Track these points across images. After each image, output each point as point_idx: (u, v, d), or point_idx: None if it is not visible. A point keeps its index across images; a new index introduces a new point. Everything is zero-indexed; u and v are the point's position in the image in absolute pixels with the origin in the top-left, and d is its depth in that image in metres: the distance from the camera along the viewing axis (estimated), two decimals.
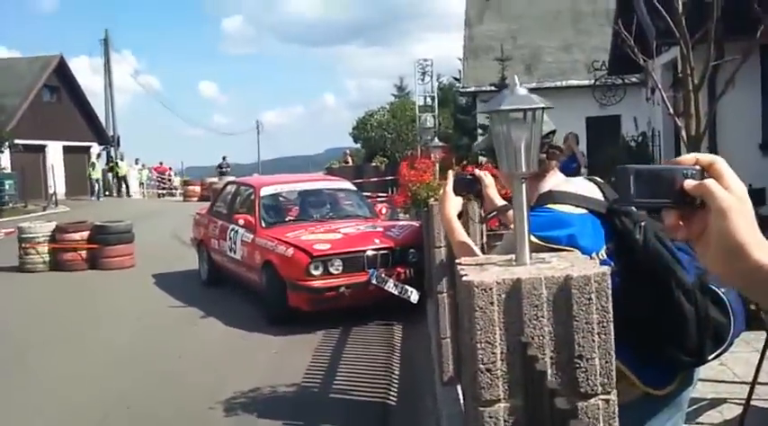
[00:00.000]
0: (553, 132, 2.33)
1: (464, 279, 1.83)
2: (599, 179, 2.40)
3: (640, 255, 2.06)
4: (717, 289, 2.06)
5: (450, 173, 2.62)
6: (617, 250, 2.12)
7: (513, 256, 2.00)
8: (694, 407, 3.95)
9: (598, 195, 2.27)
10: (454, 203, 2.46)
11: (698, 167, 0.83)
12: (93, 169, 30.80)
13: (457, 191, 2.52)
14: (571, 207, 2.18)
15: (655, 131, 13.72)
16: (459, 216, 2.54)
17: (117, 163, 33.20)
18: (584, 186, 2.30)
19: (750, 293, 0.83)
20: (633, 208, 2.12)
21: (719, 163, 0.83)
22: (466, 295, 1.82)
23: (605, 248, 2.15)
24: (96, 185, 29.96)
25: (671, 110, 7.27)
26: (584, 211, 2.18)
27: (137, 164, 35.99)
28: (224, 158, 34.06)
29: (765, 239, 0.80)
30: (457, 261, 2.18)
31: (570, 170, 7.83)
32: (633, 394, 2.09)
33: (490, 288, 1.76)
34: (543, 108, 1.91)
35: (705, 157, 0.84)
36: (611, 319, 1.75)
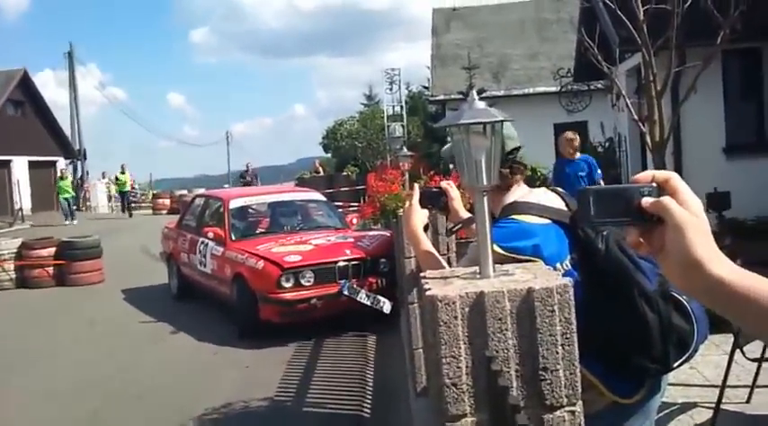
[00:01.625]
0: (518, 148, 2.34)
1: (428, 293, 1.83)
2: (561, 189, 2.43)
3: (602, 264, 2.08)
4: (679, 296, 2.08)
5: (417, 186, 2.62)
6: (580, 259, 2.14)
7: (477, 269, 2.01)
8: (665, 412, 3.99)
9: (561, 205, 2.30)
10: (420, 216, 2.46)
11: (654, 184, 0.85)
12: (63, 184, 25.18)
13: (423, 204, 2.53)
14: (535, 217, 2.21)
15: (621, 136, 13.89)
16: (426, 228, 2.55)
17: (117, 177, 29.37)
18: (546, 197, 2.32)
19: (709, 305, 0.85)
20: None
21: (675, 179, 0.85)
22: (430, 309, 1.82)
23: (569, 258, 2.17)
24: (66, 204, 24.49)
25: (635, 116, 7.38)
26: (547, 221, 2.20)
27: (103, 177, 35.50)
28: (247, 165, 28.46)
29: (721, 253, 0.81)
30: (422, 274, 2.18)
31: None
32: (602, 404, 2.11)
33: (453, 302, 1.76)
34: (502, 121, 1.92)
35: (661, 174, 0.86)
36: (575, 330, 1.76)
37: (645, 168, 11.20)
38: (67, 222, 23.34)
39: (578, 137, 8.46)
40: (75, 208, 26.58)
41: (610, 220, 0.88)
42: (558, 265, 2.14)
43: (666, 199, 0.83)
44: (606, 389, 2.08)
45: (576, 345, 1.78)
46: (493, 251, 2.20)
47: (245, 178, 26.97)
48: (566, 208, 2.27)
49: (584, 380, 2.12)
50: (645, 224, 0.84)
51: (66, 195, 24.81)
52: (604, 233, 2.08)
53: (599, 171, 8.33)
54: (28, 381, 6.63)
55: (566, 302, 1.75)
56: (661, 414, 3.57)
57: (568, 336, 1.75)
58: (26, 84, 32.40)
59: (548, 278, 1.82)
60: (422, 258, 2.45)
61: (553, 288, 1.75)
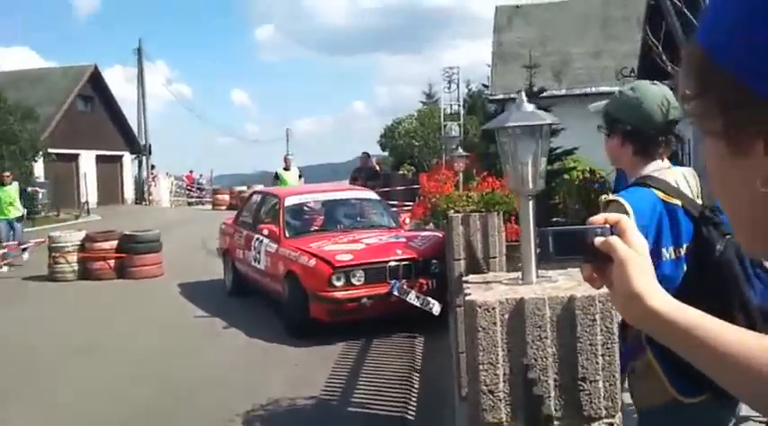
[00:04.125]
0: (676, 121, 2.20)
1: (467, 298, 1.79)
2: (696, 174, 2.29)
3: (714, 265, 1.99)
4: None
5: (617, 201, 2.15)
6: (694, 253, 2.07)
7: (520, 274, 1.96)
8: None
9: (697, 191, 2.19)
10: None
11: (607, 225, 0.94)
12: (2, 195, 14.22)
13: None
14: (666, 195, 2.11)
15: (685, 139, 13.46)
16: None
17: (277, 173, 17.53)
18: (684, 180, 2.19)
19: (650, 334, 0.93)
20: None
21: (624, 221, 0.95)
22: (469, 314, 1.78)
23: (685, 247, 2.09)
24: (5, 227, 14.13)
25: None
26: (677, 202, 2.11)
27: (168, 176, 36.43)
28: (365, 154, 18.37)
29: (660, 287, 0.89)
30: (464, 278, 2.15)
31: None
32: (661, 399, 2.03)
33: (493, 308, 1.72)
34: (550, 124, 1.87)
35: (612, 217, 0.95)
36: (616, 340, 1.70)
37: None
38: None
39: None
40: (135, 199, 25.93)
41: (568, 257, 0.97)
42: (672, 249, 2.07)
43: (613, 238, 0.92)
44: (669, 383, 1.99)
45: (617, 356, 1.72)
46: (614, 201, 2.11)
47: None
48: (699, 197, 2.17)
49: (649, 369, 2.04)
50: (598, 261, 0.92)
51: (7, 214, 14.21)
52: (728, 236, 2.00)
53: None
54: (84, 372, 6.81)
55: (608, 311, 1.69)
56: None
57: (609, 346, 1.69)
58: (96, 80, 33.44)
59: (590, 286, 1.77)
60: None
61: (595, 297, 1.69)
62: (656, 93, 2.13)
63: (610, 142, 2.23)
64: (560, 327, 1.65)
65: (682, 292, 1.99)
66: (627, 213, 1.99)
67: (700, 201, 2.15)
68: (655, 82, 2.30)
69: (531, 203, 2.00)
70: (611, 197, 2.19)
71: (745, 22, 0.59)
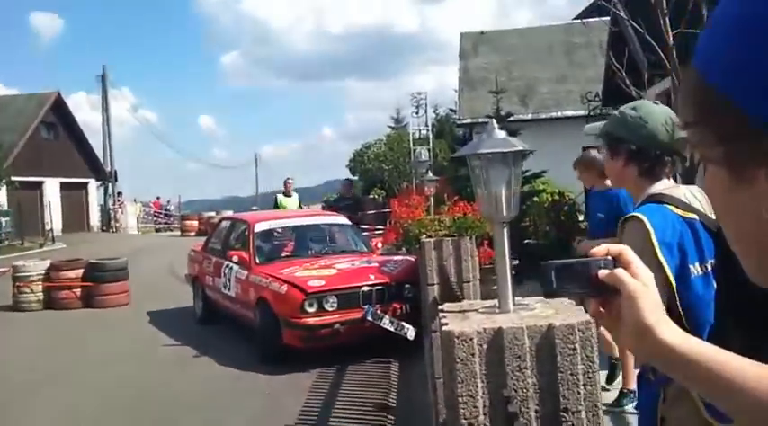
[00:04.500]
0: (681, 141, 2.16)
1: (444, 328, 1.77)
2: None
3: (743, 286, 1.97)
4: None
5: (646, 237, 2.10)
6: (720, 270, 1.97)
7: (496, 302, 1.94)
8: None
9: (708, 209, 2.11)
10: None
11: (610, 258, 0.91)
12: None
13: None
14: (683, 212, 2.07)
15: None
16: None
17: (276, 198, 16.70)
18: (694, 197, 2.14)
19: (661, 367, 0.90)
20: None
21: (627, 252, 0.92)
22: (446, 345, 1.75)
23: (710, 262, 2.02)
24: None
25: None
26: (694, 216, 2.06)
27: (135, 202, 36.07)
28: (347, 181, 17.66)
29: (669, 319, 0.87)
30: (439, 307, 2.12)
31: None
32: (693, 423, 1.93)
33: (471, 339, 1.69)
34: (522, 151, 1.87)
35: (614, 248, 0.92)
36: (597, 369, 1.69)
37: None
38: None
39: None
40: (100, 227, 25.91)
41: (571, 291, 0.96)
42: (698, 265, 2.01)
43: (619, 271, 0.90)
44: (703, 406, 1.89)
45: (599, 385, 1.71)
46: (633, 218, 2.06)
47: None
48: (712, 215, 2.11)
49: (684, 394, 1.93)
50: (603, 294, 0.91)
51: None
52: None
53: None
54: (50, 403, 6.64)
55: (588, 339, 1.68)
56: None
57: (590, 375, 1.68)
58: (59, 107, 33.07)
59: (570, 313, 1.75)
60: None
61: (575, 325, 1.68)
62: (660, 113, 2.12)
63: (612, 163, 2.21)
64: (540, 357, 1.63)
65: (718, 312, 1.91)
66: (647, 230, 1.97)
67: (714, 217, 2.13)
68: (656, 101, 2.29)
69: (505, 230, 1.99)
70: (629, 213, 2.13)
71: (735, 40, 0.59)
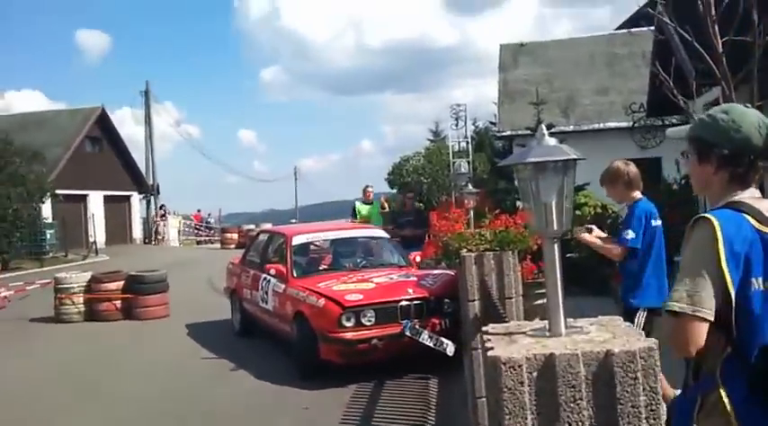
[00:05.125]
0: None
1: (490, 353, 1.62)
2: None
3: None
4: None
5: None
6: None
7: (546, 324, 1.79)
8: None
9: None
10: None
11: None
12: None
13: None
14: (759, 224, 1.96)
15: None
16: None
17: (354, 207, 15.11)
18: None
19: None
20: None
21: None
22: (492, 372, 1.60)
23: None
24: None
25: None
26: None
27: (174, 214, 36.52)
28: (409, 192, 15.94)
29: None
30: (483, 328, 1.97)
31: None
32: None
33: (519, 366, 1.54)
34: (575, 159, 1.72)
35: None
36: (661, 402, 1.53)
37: None
38: None
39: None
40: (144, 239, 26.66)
41: None
42: (761, 280, 1.91)
43: None
44: (734, 417, 1.78)
45: (664, 416, 1.55)
46: (703, 218, 1.94)
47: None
48: None
49: (720, 405, 1.81)
50: None
51: None
52: None
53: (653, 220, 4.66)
54: (92, 416, 6.65)
55: (651, 368, 1.52)
56: None
57: (654, 408, 1.51)
58: (103, 122, 33.71)
59: (629, 338, 1.59)
60: None
61: (636, 352, 1.51)
62: (753, 116, 2.02)
63: (701, 168, 2.09)
64: (597, 387, 1.47)
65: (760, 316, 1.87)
66: (716, 236, 1.87)
67: None
68: (747, 104, 2.18)
69: (556, 246, 1.83)
70: (700, 214, 2.01)
71: None
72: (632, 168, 4.74)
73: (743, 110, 2.04)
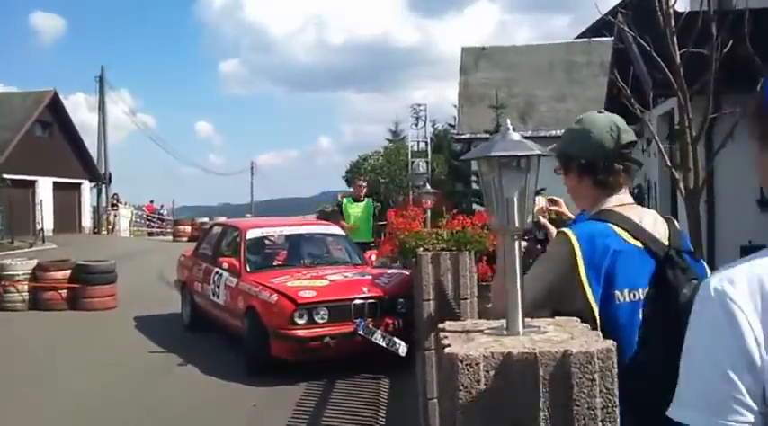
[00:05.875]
0: (633, 143, 2.10)
1: (447, 350, 1.58)
2: (676, 221, 2.15)
3: (677, 313, 1.83)
4: None
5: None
6: (656, 298, 1.93)
7: (504, 322, 1.76)
8: None
9: (662, 235, 2.04)
10: None
11: None
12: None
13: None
14: (627, 234, 1.97)
15: (651, 183, 13.58)
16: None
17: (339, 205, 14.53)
18: (651, 221, 2.06)
19: None
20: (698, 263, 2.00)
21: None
22: (448, 370, 1.56)
23: (641, 291, 1.94)
24: None
25: (668, 162, 7.12)
26: (638, 245, 1.96)
27: (125, 205, 35.85)
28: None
29: None
30: (440, 325, 1.94)
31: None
32: None
33: (476, 364, 1.50)
34: (539, 155, 1.69)
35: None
36: (617, 404, 1.50)
37: (676, 216, 10.87)
38: None
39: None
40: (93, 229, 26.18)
41: None
42: (626, 292, 1.92)
43: None
44: None
45: (618, 422, 1.53)
46: (561, 233, 1.97)
47: None
48: (666, 240, 2.02)
49: None
50: None
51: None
52: (694, 281, 1.87)
53: None
54: (26, 407, 6.44)
55: (608, 370, 1.49)
56: None
57: (610, 410, 1.49)
58: (56, 106, 32.84)
59: (587, 339, 1.57)
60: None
61: (594, 353, 1.48)
62: (604, 121, 2.05)
63: (568, 181, 2.13)
64: (553, 387, 1.44)
65: (640, 340, 1.90)
66: (573, 250, 1.89)
67: (666, 243, 2.01)
68: (601, 110, 2.20)
69: (517, 243, 1.80)
70: (561, 229, 2.05)
71: None
72: None
73: (594, 116, 2.08)
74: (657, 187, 12.77)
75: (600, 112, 2.15)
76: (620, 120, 2.09)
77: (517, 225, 1.74)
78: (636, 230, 1.99)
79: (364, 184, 10.86)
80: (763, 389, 1.00)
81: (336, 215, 11.00)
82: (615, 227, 1.97)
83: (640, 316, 1.92)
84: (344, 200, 10.95)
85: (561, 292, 1.94)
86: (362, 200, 10.75)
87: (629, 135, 2.07)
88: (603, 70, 16.78)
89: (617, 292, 1.92)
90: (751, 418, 1.00)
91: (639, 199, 14.03)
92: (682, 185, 6.65)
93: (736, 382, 1.01)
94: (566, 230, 1.97)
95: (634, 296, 1.94)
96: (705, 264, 2.08)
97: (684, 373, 1.14)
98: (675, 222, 2.13)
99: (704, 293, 1.10)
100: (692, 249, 2.24)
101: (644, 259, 1.96)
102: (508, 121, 1.74)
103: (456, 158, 25.15)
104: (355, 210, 10.64)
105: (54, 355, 8.61)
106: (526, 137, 1.74)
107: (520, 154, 1.65)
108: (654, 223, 2.06)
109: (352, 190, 11.74)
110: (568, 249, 1.90)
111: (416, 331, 5.67)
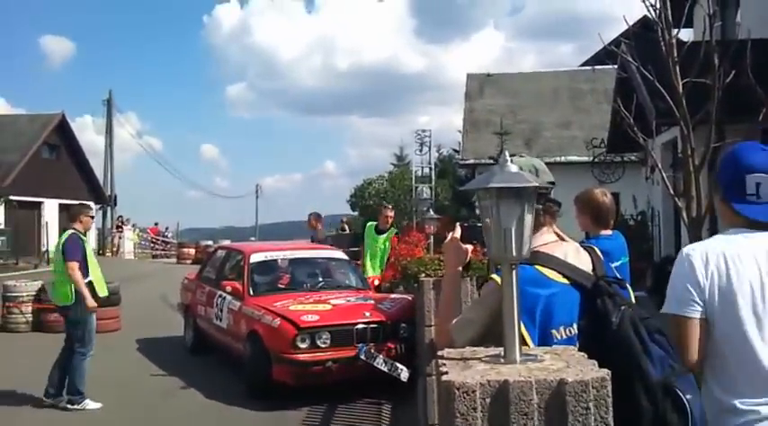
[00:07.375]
0: (552, 184, 2.23)
1: (444, 378, 1.61)
2: (597, 250, 2.25)
3: (610, 340, 1.92)
4: (682, 395, 1.86)
5: (458, 224, 2.49)
6: (588, 329, 2.01)
7: (501, 351, 1.78)
8: None
9: (587, 266, 2.14)
10: (459, 253, 2.30)
11: None
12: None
13: (465, 240, 2.39)
14: (554, 272, 2.07)
15: (654, 211, 13.61)
16: (466, 268, 2.41)
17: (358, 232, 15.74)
18: (575, 254, 2.17)
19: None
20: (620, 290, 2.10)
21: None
22: (445, 397, 1.59)
23: (576, 324, 2.04)
24: None
25: (671, 191, 7.15)
26: (565, 282, 2.06)
27: (132, 227, 35.91)
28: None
29: None
30: (439, 352, 1.96)
31: None
32: None
33: (473, 391, 1.53)
34: (536, 187, 1.73)
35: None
36: None
37: (678, 244, 10.88)
38: None
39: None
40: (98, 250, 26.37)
41: None
42: (562, 329, 2.02)
43: None
44: None
45: None
46: (492, 280, 2.06)
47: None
48: (591, 272, 2.12)
49: None
50: None
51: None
52: (623, 307, 1.96)
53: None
54: None
55: (603, 399, 1.52)
56: None
57: None
58: (63, 129, 33.11)
59: (582, 368, 1.59)
60: (441, 303, 2.34)
61: (588, 382, 1.51)
62: (522, 164, 2.10)
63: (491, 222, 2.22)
64: (549, 415, 1.47)
65: None
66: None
67: (592, 273, 2.11)
68: (522, 154, 2.37)
69: (514, 272, 1.84)
70: (492, 275, 2.11)
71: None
72: (606, 200, 4.20)
73: (516, 159, 2.13)
74: (661, 215, 12.79)
75: (521, 156, 2.28)
76: (538, 162, 2.24)
77: (514, 253, 1.78)
78: (562, 267, 2.08)
79: (392, 215, 9.98)
80: (704, 297, 2.08)
81: (359, 240, 10.45)
82: (542, 269, 2.06)
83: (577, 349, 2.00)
84: (369, 225, 10.33)
85: (500, 334, 1.98)
86: (386, 231, 10.00)
87: (547, 176, 2.20)
88: (607, 97, 16.88)
89: (554, 331, 2.01)
90: (699, 309, 2.08)
91: (643, 226, 14.05)
92: (685, 213, 6.68)
93: (691, 291, 2.09)
94: (496, 277, 2.00)
95: (570, 331, 2.02)
96: (630, 289, 2.17)
97: (668, 292, 2.15)
98: (597, 250, 2.23)
99: (680, 255, 2.19)
100: (617, 276, 2.42)
101: (573, 294, 2.05)
102: (506, 153, 1.78)
103: (460, 184, 25.22)
104: (378, 243, 9.96)
105: None
106: None
107: (518, 185, 1.69)
108: (577, 256, 2.16)
109: (355, 214, 11.88)
110: (500, 297, 1.90)
111: (418, 356, 5.67)
